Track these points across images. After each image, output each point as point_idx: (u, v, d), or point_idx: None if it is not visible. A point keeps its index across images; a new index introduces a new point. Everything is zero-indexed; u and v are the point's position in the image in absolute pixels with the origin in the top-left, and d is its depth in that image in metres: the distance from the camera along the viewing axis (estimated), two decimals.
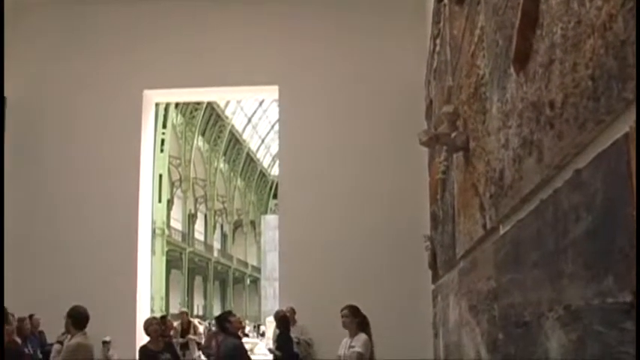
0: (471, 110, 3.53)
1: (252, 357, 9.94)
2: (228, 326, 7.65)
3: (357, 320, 6.88)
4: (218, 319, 8.51)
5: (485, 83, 3.01)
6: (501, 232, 2.70)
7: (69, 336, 6.56)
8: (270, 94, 13.72)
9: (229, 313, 8.39)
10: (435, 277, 7.53)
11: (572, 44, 1.60)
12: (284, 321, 10.26)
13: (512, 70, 2.32)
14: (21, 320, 8.82)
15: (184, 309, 17.40)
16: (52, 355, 8.79)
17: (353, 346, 6.66)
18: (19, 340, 8.17)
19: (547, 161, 1.86)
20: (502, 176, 2.58)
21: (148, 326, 7.95)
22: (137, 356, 7.98)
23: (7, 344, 6.46)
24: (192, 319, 15.26)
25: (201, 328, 23.11)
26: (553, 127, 1.78)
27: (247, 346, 9.74)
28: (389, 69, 10.90)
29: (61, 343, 6.57)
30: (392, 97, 10.77)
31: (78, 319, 6.47)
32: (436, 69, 6.56)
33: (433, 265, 7.32)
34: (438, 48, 6.19)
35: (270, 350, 10.69)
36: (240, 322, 9.09)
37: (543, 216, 1.88)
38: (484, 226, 3.12)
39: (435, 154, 6.90)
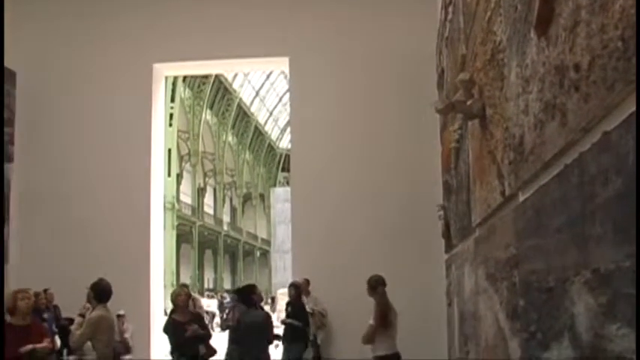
0: (487, 77, 3.50)
1: None
2: (254, 298, 7.80)
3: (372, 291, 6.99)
4: (241, 292, 8.62)
5: (503, 49, 2.97)
6: (521, 198, 2.68)
7: (90, 308, 6.65)
8: (280, 65, 13.61)
9: (254, 286, 8.55)
10: (449, 247, 7.53)
11: (599, 5, 1.57)
12: (296, 290, 10.25)
13: (532, 34, 2.29)
14: (36, 295, 8.89)
15: (184, 282, 17.14)
16: (72, 327, 8.89)
17: None
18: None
19: (572, 125, 1.83)
20: (522, 142, 2.56)
21: (176, 297, 8.00)
22: (164, 327, 8.04)
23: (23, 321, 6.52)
24: (192, 293, 15.19)
25: (203, 301, 23.15)
26: (578, 90, 1.76)
27: None
28: (399, 39, 10.80)
29: (82, 315, 6.66)
30: (403, 68, 10.71)
31: (100, 292, 6.60)
32: (448, 37, 6.49)
33: (446, 234, 7.33)
34: (450, 16, 6.13)
35: (282, 322, 10.65)
36: (260, 296, 9.31)
37: (568, 180, 1.86)
38: (502, 193, 3.11)
39: (447, 123, 6.87)
